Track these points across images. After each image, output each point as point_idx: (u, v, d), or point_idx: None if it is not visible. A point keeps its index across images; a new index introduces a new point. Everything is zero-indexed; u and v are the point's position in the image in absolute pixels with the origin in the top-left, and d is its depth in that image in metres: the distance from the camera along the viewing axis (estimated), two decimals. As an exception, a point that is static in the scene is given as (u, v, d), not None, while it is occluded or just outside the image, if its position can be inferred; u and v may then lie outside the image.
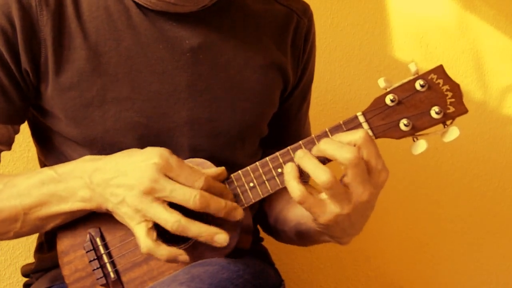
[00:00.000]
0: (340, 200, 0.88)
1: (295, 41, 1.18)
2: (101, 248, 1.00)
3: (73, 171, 0.96)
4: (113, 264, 0.99)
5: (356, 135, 0.87)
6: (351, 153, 0.85)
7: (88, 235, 1.00)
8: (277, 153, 0.95)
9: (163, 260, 0.92)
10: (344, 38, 1.90)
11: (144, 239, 0.91)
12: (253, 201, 0.97)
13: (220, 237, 0.91)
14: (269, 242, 1.31)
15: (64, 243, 1.02)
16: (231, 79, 1.09)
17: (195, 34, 1.06)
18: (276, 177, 0.95)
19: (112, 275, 0.99)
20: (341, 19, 1.89)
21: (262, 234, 1.30)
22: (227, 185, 0.96)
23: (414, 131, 0.91)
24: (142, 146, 1.03)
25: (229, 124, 1.09)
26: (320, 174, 0.86)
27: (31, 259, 1.25)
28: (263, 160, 0.96)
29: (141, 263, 0.99)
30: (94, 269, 0.99)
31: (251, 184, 0.96)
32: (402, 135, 0.91)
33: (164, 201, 0.90)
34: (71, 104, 1.02)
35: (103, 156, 0.97)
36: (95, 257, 0.99)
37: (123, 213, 0.92)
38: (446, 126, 0.91)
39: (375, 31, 1.95)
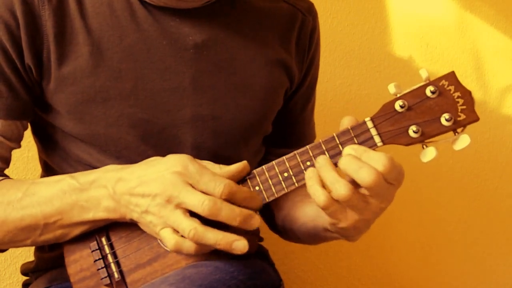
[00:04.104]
0: (360, 209, 0.88)
1: (300, 39, 1.18)
2: (106, 248, 0.99)
3: (96, 181, 0.95)
4: (117, 264, 0.99)
5: (379, 163, 0.85)
6: (370, 177, 0.84)
7: (94, 235, 1.00)
8: (295, 152, 0.93)
9: (191, 254, 0.91)
10: (344, 38, 1.90)
11: (171, 236, 0.90)
12: (267, 200, 0.95)
13: (239, 244, 0.90)
14: (269, 242, 1.31)
15: (70, 242, 1.01)
16: (234, 76, 1.08)
17: (198, 30, 1.06)
18: (293, 177, 0.93)
19: (116, 275, 0.98)
20: (341, 19, 1.89)
21: (262, 234, 1.30)
22: (249, 182, 0.96)
23: (424, 138, 0.89)
24: (145, 143, 1.04)
25: (232, 122, 1.08)
26: (339, 188, 0.85)
27: (31, 259, 1.24)
28: (280, 159, 0.94)
29: (144, 264, 0.98)
30: (98, 269, 0.99)
31: (267, 184, 0.95)
32: (411, 141, 0.89)
33: (185, 209, 0.90)
34: (73, 100, 1.02)
35: (126, 166, 0.96)
36: (100, 257, 0.99)
37: (148, 222, 0.92)
38: (456, 133, 0.89)
39: (375, 31, 1.95)
